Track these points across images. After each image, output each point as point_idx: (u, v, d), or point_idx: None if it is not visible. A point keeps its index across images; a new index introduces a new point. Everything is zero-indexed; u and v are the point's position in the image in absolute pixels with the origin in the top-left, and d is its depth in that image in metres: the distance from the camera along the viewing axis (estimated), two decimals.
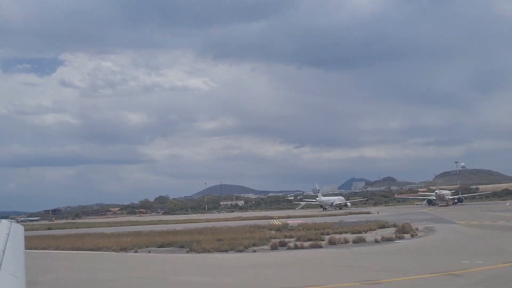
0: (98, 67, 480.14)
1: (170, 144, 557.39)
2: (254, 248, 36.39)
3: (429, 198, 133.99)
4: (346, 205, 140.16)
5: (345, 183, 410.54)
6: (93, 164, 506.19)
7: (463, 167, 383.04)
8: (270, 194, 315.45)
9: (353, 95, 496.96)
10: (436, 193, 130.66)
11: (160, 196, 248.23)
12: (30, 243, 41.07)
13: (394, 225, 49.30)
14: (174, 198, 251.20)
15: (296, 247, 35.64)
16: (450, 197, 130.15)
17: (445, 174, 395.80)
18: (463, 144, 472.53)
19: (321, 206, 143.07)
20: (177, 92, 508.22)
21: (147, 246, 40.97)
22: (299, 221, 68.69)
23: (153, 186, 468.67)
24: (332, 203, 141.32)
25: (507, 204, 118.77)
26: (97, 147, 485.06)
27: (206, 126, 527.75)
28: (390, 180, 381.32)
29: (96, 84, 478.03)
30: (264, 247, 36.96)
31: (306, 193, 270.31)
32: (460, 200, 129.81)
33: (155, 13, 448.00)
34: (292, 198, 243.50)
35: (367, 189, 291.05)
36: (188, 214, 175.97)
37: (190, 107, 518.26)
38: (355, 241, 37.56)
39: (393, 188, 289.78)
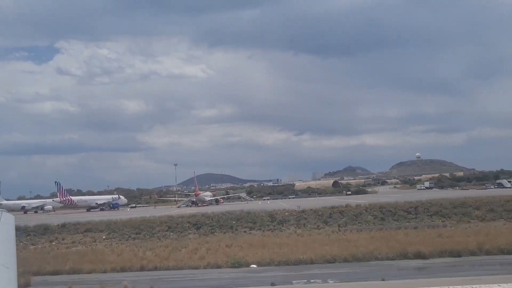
0: (94, 55, 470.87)
1: (169, 132, 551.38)
2: None
3: (191, 199, 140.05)
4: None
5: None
6: (93, 151, 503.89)
7: (418, 157, 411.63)
8: (250, 183, 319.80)
9: (351, 82, 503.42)
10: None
11: (70, 189, 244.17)
12: None
13: None
14: (79, 190, 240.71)
15: None
16: (209, 199, 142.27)
17: (400, 164, 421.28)
18: (461, 132, 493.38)
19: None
20: (174, 79, 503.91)
21: None
22: None
23: (151, 173, 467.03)
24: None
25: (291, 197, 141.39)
26: (96, 134, 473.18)
27: (205, 113, 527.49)
28: (350, 170, 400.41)
29: (93, 72, 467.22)
30: None
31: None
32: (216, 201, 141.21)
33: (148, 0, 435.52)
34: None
35: (319, 179, 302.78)
36: None
37: (187, 94, 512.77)
38: None
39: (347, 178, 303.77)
